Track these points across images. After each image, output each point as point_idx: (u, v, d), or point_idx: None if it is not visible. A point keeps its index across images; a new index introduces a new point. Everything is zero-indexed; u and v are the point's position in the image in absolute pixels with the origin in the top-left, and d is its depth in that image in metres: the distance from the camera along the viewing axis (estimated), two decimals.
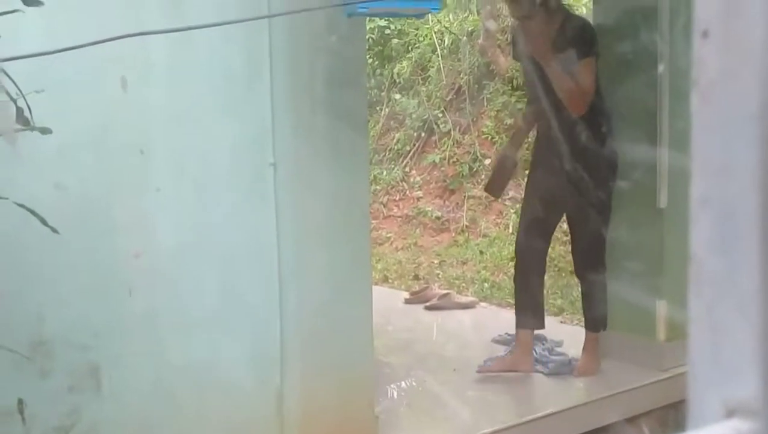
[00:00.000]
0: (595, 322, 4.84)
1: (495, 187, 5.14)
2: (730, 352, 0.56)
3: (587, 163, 4.47)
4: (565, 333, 5.55)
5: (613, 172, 4.68)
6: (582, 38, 4.48)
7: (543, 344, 5.16)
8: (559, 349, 5.14)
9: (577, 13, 4.87)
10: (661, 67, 4.66)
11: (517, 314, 4.90)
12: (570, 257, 7.89)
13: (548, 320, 6.34)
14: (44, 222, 2.53)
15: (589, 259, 4.76)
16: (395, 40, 10.15)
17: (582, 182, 4.47)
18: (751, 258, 0.55)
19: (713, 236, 0.56)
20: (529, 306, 4.84)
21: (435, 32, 9.85)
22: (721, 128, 0.54)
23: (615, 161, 4.67)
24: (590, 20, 4.93)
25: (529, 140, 5.55)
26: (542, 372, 4.83)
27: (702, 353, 0.57)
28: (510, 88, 9.26)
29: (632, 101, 4.86)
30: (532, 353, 4.85)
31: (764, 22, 0.52)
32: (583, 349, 4.86)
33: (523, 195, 5.16)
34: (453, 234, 8.57)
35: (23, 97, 2.38)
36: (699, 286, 0.57)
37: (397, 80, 9.99)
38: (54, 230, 2.59)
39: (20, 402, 2.79)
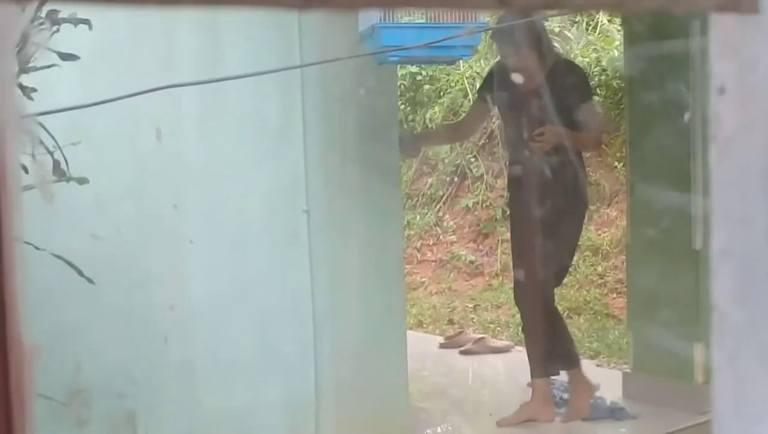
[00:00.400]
0: (569, 358, 4.70)
1: (409, 146, 4.87)
2: (752, 401, 0.56)
3: (563, 205, 4.41)
4: (602, 376, 5.49)
5: (582, 217, 4.68)
6: (580, 82, 4.47)
7: None
8: (596, 393, 5.09)
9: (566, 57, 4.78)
10: (687, 116, 4.65)
11: (530, 363, 4.81)
12: (605, 300, 7.86)
13: (585, 363, 6.29)
14: (80, 273, 2.57)
15: (551, 296, 4.65)
16: (427, 86, 10.20)
17: (556, 225, 4.41)
18: None
19: (734, 287, 0.56)
20: (538, 354, 4.74)
21: (466, 77, 9.89)
22: (739, 181, 0.55)
23: (586, 205, 4.68)
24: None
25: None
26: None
27: (725, 402, 0.57)
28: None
29: (666, 147, 4.85)
30: (550, 401, 4.72)
31: None
32: (570, 391, 4.70)
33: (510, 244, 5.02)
34: (487, 278, 8.54)
35: (60, 149, 2.42)
36: (721, 336, 0.58)
37: (429, 125, 10.03)
38: (90, 281, 2.62)
39: None
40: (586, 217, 4.70)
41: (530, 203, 4.48)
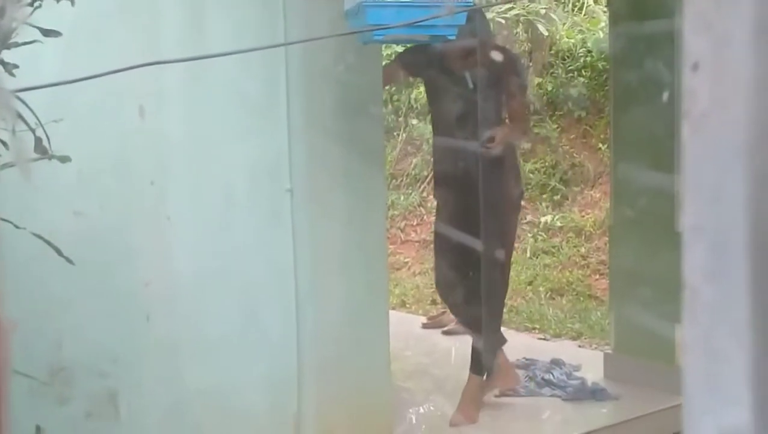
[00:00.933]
0: (479, 364, 4.56)
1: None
2: (724, 379, 0.57)
3: (495, 190, 4.37)
4: (584, 357, 5.53)
5: (518, 205, 4.68)
6: (515, 69, 4.44)
7: (561, 368, 5.14)
8: (577, 373, 5.12)
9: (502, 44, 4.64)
10: (665, 95, 4.65)
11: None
12: (588, 282, 7.89)
13: (567, 344, 6.34)
14: (60, 253, 2.55)
15: (484, 299, 4.49)
16: None
17: (487, 222, 4.32)
18: (744, 286, 0.56)
19: (706, 264, 0.57)
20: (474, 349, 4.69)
21: None
22: (712, 158, 0.55)
23: (519, 204, 4.68)
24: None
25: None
26: (560, 397, 4.81)
27: (697, 380, 0.58)
28: (527, 112, 9.26)
29: (649, 128, 4.86)
30: (476, 402, 4.58)
31: (753, 54, 0.54)
32: (462, 394, 4.55)
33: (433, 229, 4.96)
34: None
35: (42, 126, 2.40)
36: (693, 313, 0.58)
37: (414, 106, 10.01)
38: (69, 261, 2.61)
39: (38, 428, 2.81)
40: (521, 206, 4.65)
41: (458, 192, 4.43)
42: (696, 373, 0.60)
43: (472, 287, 4.58)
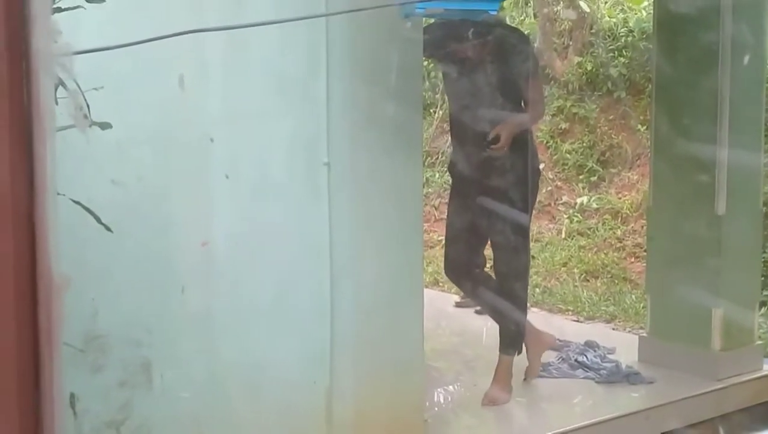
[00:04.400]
0: (507, 344, 4.56)
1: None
2: None
3: (509, 182, 4.36)
4: (618, 340, 5.48)
5: (534, 192, 4.61)
6: (527, 54, 4.40)
7: (595, 350, 5.10)
8: (611, 356, 5.08)
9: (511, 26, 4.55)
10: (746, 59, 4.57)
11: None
12: (623, 264, 7.82)
13: (600, 326, 6.30)
14: (99, 220, 2.55)
15: (508, 281, 4.53)
16: None
17: (503, 203, 4.34)
18: None
19: None
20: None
21: None
22: None
23: (537, 181, 4.61)
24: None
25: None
26: (593, 379, 4.78)
27: None
28: (566, 92, 9.18)
29: (692, 111, 4.79)
30: (508, 379, 4.56)
31: None
32: (494, 374, 4.55)
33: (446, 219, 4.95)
34: None
35: (82, 93, 2.39)
36: None
37: None
38: (107, 228, 2.60)
39: (72, 396, 2.81)
40: (538, 186, 4.68)
41: (473, 174, 4.41)
42: None
43: (492, 267, 4.56)
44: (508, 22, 5.17)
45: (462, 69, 4.38)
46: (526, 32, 9.66)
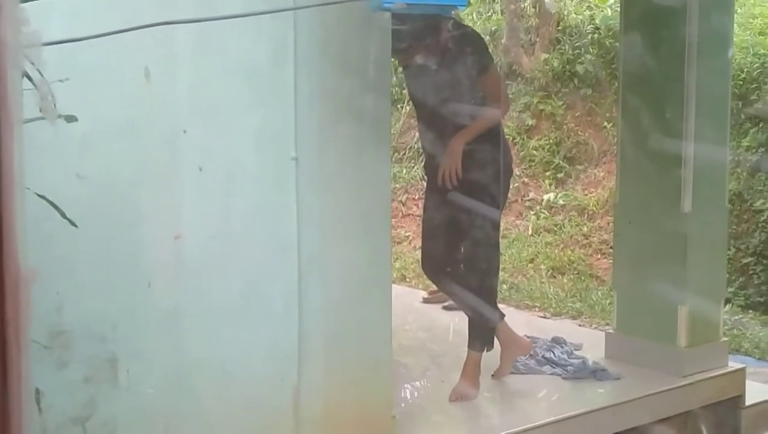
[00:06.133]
0: (476, 340, 4.55)
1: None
2: None
3: (481, 178, 4.38)
4: (584, 336, 5.51)
5: (506, 188, 4.63)
6: (477, 51, 4.39)
7: (562, 347, 5.12)
8: (578, 352, 5.10)
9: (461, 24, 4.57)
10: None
11: None
12: (589, 261, 7.86)
13: (567, 323, 6.33)
14: (63, 215, 2.52)
15: (475, 275, 4.52)
16: None
17: (475, 199, 4.36)
18: None
19: None
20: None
21: None
22: None
23: (508, 178, 4.62)
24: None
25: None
26: (560, 376, 4.79)
27: None
28: (533, 88, 9.21)
29: (658, 108, 4.82)
30: (476, 375, 4.55)
31: None
32: (462, 370, 4.55)
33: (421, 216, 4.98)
34: None
35: (47, 83, 2.35)
36: None
37: None
38: (72, 223, 2.57)
39: (37, 391, 2.78)
40: (509, 183, 4.68)
41: (445, 186, 4.41)
42: None
43: (462, 265, 4.57)
44: (459, 20, 5.18)
45: (419, 70, 4.40)
46: (493, 28, 9.70)
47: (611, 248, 6.20)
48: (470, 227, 4.44)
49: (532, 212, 8.52)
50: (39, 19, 2.42)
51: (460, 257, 4.60)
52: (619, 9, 5.33)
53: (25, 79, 2.36)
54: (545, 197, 8.62)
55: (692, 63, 4.63)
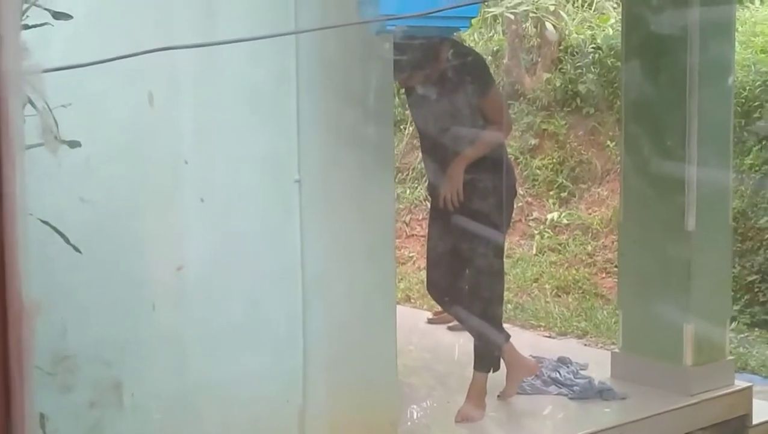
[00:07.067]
0: (482, 362, 4.52)
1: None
2: None
3: (485, 201, 4.38)
4: (590, 355, 5.49)
5: (509, 210, 4.62)
6: (476, 73, 4.39)
7: (568, 366, 5.10)
8: (583, 372, 5.08)
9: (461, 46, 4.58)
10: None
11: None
12: (594, 280, 7.85)
13: (572, 342, 6.31)
14: (67, 240, 2.52)
15: (480, 298, 4.49)
16: None
17: (479, 222, 4.34)
18: None
19: None
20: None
21: None
22: None
23: (512, 199, 4.62)
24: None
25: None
26: (566, 396, 4.77)
27: None
28: (535, 108, 9.22)
29: (661, 127, 4.82)
30: (482, 396, 4.50)
31: None
32: (468, 391, 4.50)
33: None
34: None
35: (50, 110, 2.36)
36: None
37: None
38: (76, 249, 2.57)
39: (42, 416, 2.77)
40: (513, 203, 4.70)
41: (447, 210, 4.39)
42: None
43: (467, 287, 4.56)
44: (461, 42, 5.21)
45: (420, 94, 4.40)
46: (494, 48, 9.73)
47: (616, 267, 6.19)
48: (473, 252, 4.43)
49: (536, 232, 8.52)
50: (41, 45, 2.44)
51: (464, 281, 4.59)
52: (620, 29, 5.34)
53: (28, 105, 2.37)
54: (549, 216, 8.62)
55: (693, 91, 4.64)
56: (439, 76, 4.29)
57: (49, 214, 2.47)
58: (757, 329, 6.99)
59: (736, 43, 6.06)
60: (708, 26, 4.69)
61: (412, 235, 9.07)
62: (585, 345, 6.24)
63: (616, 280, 6.06)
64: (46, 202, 2.76)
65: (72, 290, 3.06)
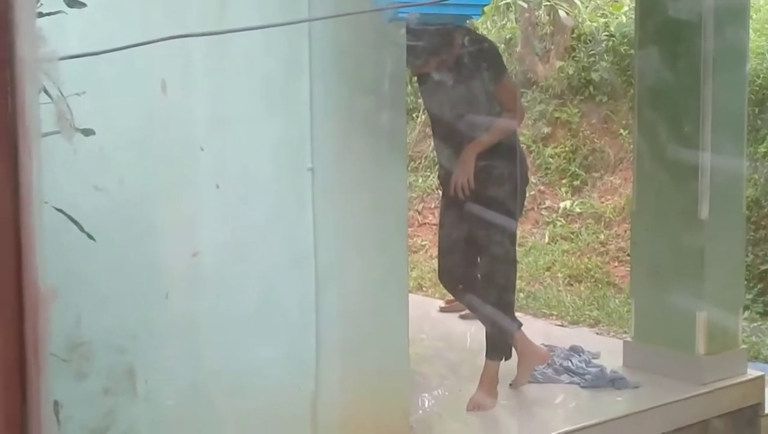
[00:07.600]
0: (494, 350, 4.53)
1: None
2: None
3: (497, 189, 4.38)
4: (602, 344, 5.49)
5: (522, 198, 4.61)
6: (490, 61, 4.37)
7: (580, 355, 5.10)
8: (596, 361, 5.08)
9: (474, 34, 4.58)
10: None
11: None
12: (606, 269, 7.83)
13: (585, 331, 6.30)
14: (81, 229, 2.53)
15: (493, 286, 4.48)
16: None
17: (492, 210, 4.34)
18: None
19: None
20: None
21: None
22: None
23: (524, 187, 4.61)
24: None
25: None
26: (578, 384, 4.77)
27: None
28: (548, 96, 9.20)
29: (675, 115, 4.80)
30: (494, 384, 4.53)
31: None
32: (480, 379, 4.53)
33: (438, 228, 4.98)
34: None
35: (64, 99, 2.36)
36: None
37: None
38: (90, 237, 2.58)
39: (56, 403, 2.78)
40: (525, 192, 4.68)
41: (459, 198, 4.40)
42: None
43: (479, 275, 4.56)
44: (475, 29, 5.20)
45: (433, 83, 4.40)
46: (507, 36, 9.70)
47: (628, 255, 6.18)
48: (486, 240, 4.43)
49: (548, 220, 8.51)
50: (55, 33, 2.44)
51: (477, 269, 4.59)
52: (633, 16, 5.31)
53: (42, 93, 2.38)
54: (562, 205, 8.61)
55: (708, 78, 4.61)
56: (453, 65, 4.28)
57: (64, 202, 2.48)
58: None
59: (750, 32, 6.03)
60: (723, 12, 4.67)
61: (425, 223, 9.07)
62: (597, 333, 6.23)
63: (628, 269, 6.05)
64: (61, 190, 2.77)
65: (86, 277, 3.08)
